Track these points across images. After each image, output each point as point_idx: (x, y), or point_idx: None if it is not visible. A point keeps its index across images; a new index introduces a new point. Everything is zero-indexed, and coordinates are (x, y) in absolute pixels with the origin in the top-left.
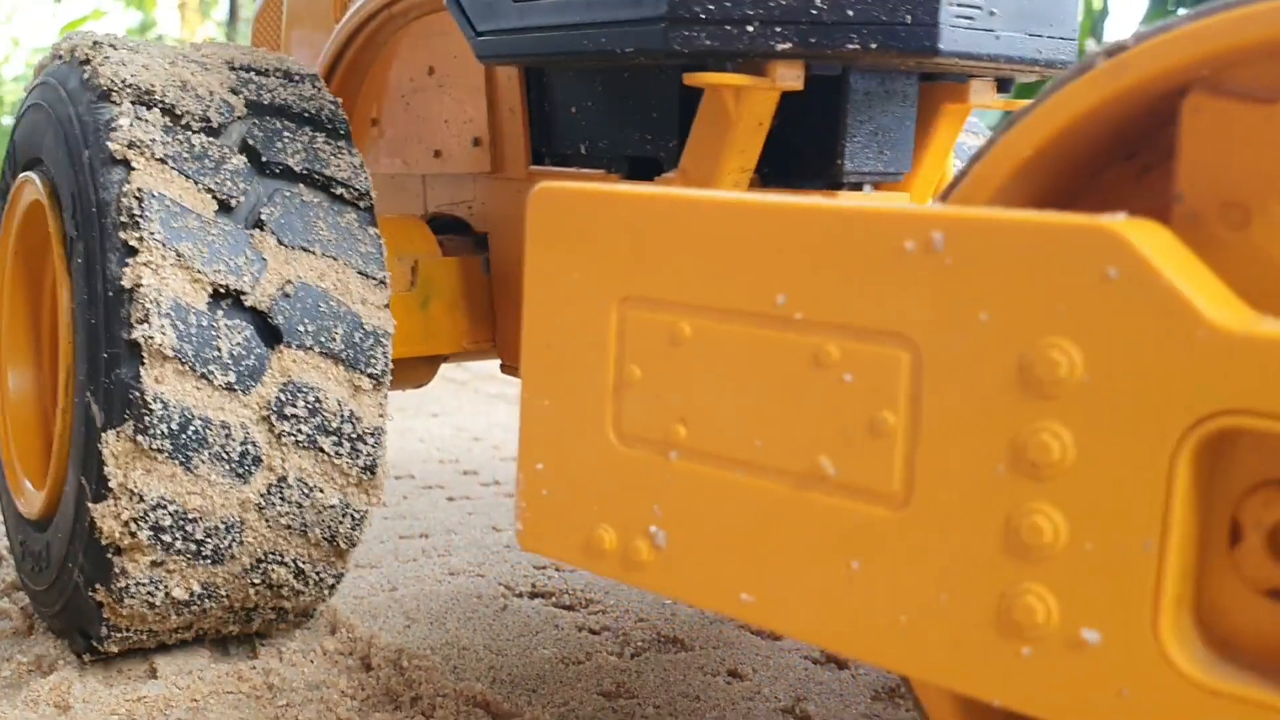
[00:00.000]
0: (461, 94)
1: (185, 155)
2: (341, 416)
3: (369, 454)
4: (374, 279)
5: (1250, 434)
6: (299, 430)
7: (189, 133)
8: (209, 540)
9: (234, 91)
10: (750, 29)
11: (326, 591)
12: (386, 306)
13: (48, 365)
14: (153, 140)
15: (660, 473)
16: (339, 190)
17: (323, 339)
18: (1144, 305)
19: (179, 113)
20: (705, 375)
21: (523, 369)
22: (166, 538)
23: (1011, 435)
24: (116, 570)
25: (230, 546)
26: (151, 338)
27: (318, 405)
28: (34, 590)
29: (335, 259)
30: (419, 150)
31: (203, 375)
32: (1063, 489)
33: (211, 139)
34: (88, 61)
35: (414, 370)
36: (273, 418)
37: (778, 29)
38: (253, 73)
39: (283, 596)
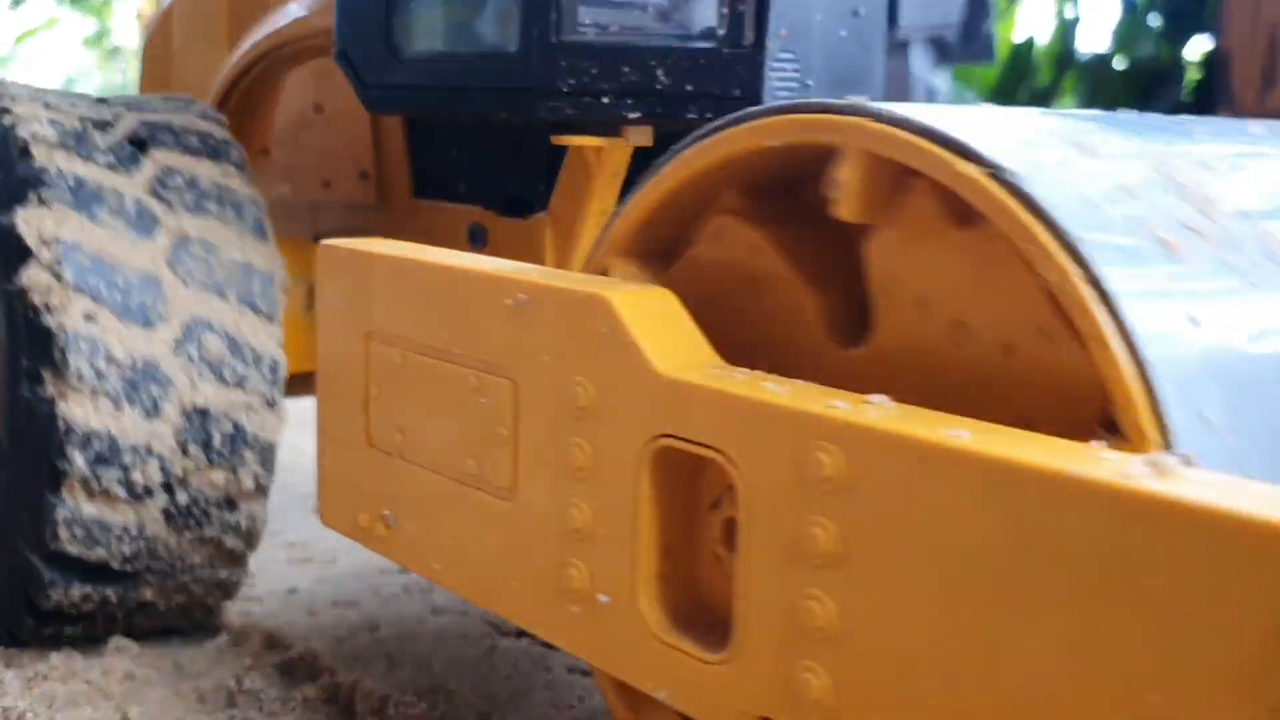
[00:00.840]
0: (349, 131)
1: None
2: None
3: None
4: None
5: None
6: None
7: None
8: (118, 546)
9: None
10: (605, 100)
11: (231, 573)
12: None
13: None
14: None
15: (390, 470)
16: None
17: None
18: (619, 355)
19: None
20: (411, 395)
21: (317, 386)
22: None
23: (561, 446)
24: None
25: (139, 558)
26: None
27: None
28: None
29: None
30: (309, 179)
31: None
32: (589, 488)
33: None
34: None
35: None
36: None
37: (628, 100)
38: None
39: (191, 591)
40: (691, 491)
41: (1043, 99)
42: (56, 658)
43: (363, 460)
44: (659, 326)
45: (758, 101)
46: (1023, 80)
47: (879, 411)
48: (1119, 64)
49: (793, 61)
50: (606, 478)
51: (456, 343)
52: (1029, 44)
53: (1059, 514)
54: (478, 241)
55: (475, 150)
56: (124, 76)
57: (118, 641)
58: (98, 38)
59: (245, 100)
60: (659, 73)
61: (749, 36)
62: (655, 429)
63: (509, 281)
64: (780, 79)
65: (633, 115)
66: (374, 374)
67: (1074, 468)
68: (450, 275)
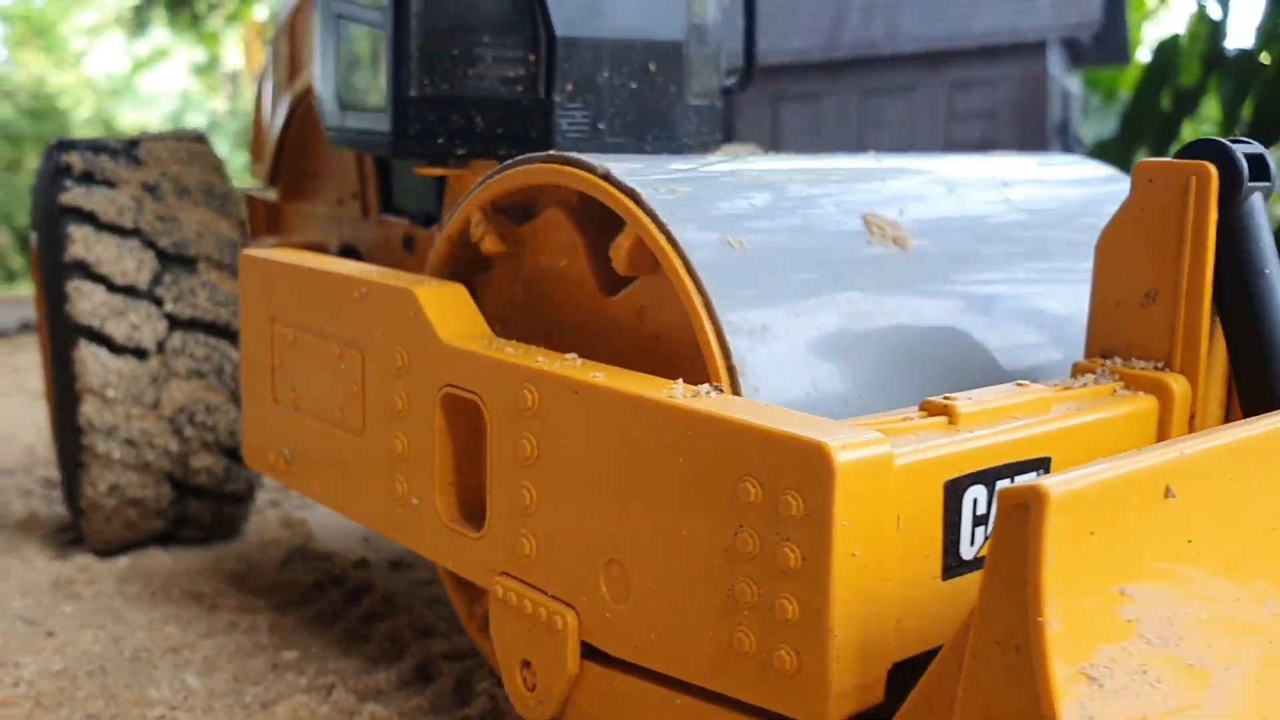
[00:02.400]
0: (347, 160)
1: None
2: None
3: None
4: None
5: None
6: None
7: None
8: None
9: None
10: (440, 140)
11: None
12: None
13: None
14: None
15: (289, 419)
16: None
17: None
18: (420, 331)
19: None
20: (300, 364)
21: (241, 359)
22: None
23: (388, 396)
24: None
25: (147, 453)
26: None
27: None
28: None
29: None
30: (334, 198)
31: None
32: (405, 426)
33: None
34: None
35: None
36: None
37: (456, 141)
38: None
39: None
40: (474, 425)
41: (1188, 98)
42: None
43: (270, 413)
44: (448, 311)
45: (549, 143)
46: (1166, 79)
47: (559, 363)
48: (1265, 59)
49: (583, 110)
50: (416, 418)
51: (326, 325)
52: (1173, 41)
53: (639, 421)
54: (408, 248)
55: (402, 176)
56: (231, 101)
57: None
58: (208, 65)
59: (296, 134)
60: (477, 119)
61: (540, 91)
62: (442, 381)
63: (356, 280)
64: (571, 124)
65: (459, 153)
66: (276, 348)
67: (646, 393)
68: (321, 275)
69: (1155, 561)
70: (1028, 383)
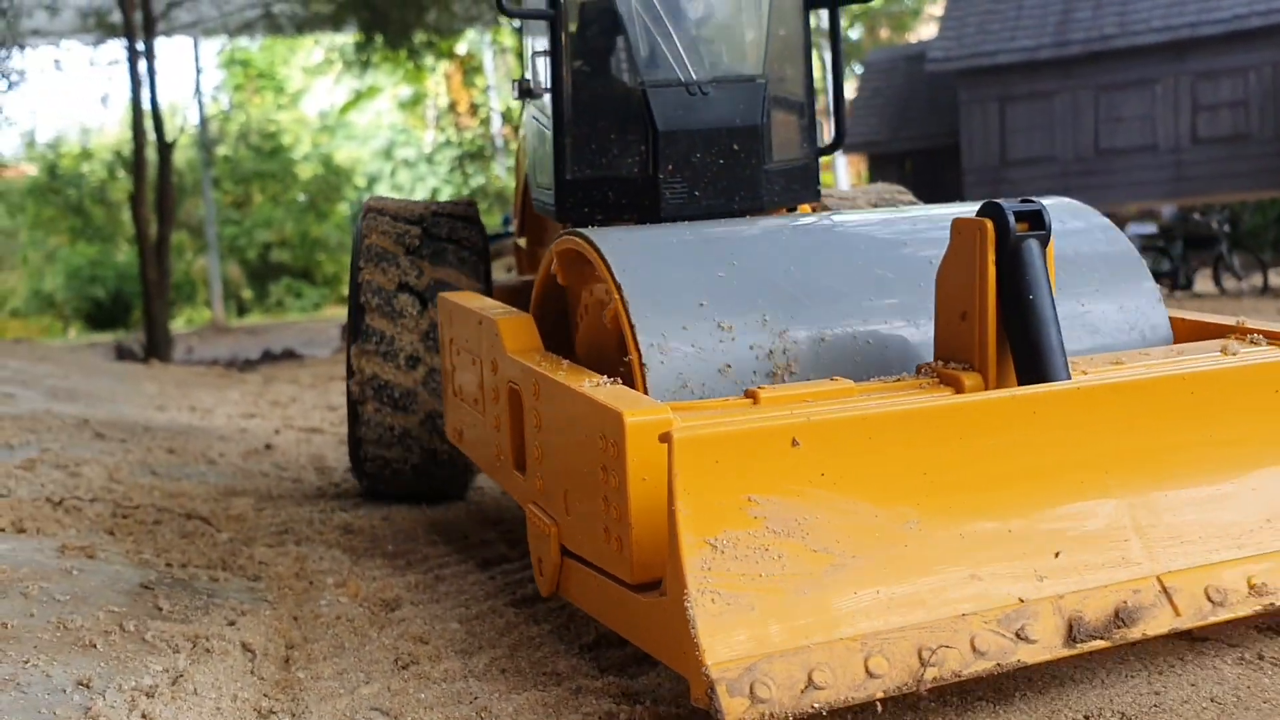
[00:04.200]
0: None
1: None
2: None
3: None
4: None
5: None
6: None
7: None
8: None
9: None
10: (585, 209)
11: None
12: None
13: None
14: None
15: (459, 407)
16: None
17: None
18: (498, 346)
19: None
20: (461, 369)
21: (441, 366)
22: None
23: (490, 389)
24: None
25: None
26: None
27: None
28: None
29: None
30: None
31: None
32: (494, 408)
33: None
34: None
35: None
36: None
37: (596, 209)
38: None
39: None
40: (521, 407)
41: None
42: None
43: (451, 404)
44: (516, 333)
45: (657, 209)
46: None
47: (546, 364)
48: None
49: (681, 183)
50: (500, 403)
51: (469, 342)
52: None
53: (571, 401)
54: None
55: None
56: (441, 134)
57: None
58: (413, 101)
59: (526, 201)
60: (609, 193)
61: (651, 170)
62: (507, 378)
63: (478, 313)
64: (673, 194)
65: (598, 217)
66: (452, 359)
67: (571, 384)
68: (468, 310)
69: (787, 484)
70: (840, 377)
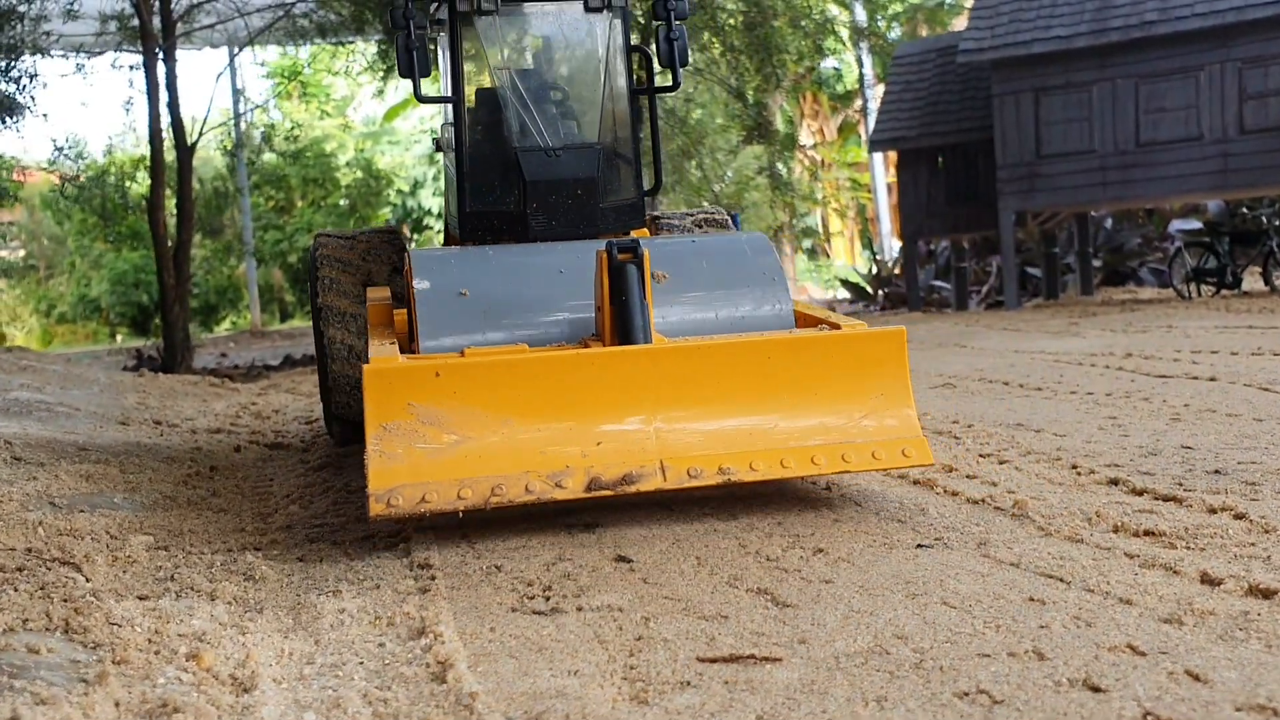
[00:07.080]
0: None
1: None
2: None
3: None
4: None
5: None
6: None
7: None
8: None
9: None
10: (480, 233)
11: None
12: None
13: None
14: None
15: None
16: None
17: None
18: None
19: None
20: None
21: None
22: None
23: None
24: None
25: None
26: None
27: None
28: None
29: None
30: None
31: None
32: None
33: None
34: None
35: None
36: None
37: (488, 235)
38: None
39: None
40: None
41: None
42: None
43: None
44: (379, 311)
45: (527, 233)
46: None
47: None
48: None
49: (543, 216)
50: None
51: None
52: None
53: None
54: None
55: None
56: None
57: None
58: None
59: None
60: (495, 222)
61: (522, 207)
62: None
63: (376, 297)
64: (537, 223)
65: (489, 240)
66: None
67: (372, 343)
68: (371, 296)
69: (432, 397)
70: (526, 345)
